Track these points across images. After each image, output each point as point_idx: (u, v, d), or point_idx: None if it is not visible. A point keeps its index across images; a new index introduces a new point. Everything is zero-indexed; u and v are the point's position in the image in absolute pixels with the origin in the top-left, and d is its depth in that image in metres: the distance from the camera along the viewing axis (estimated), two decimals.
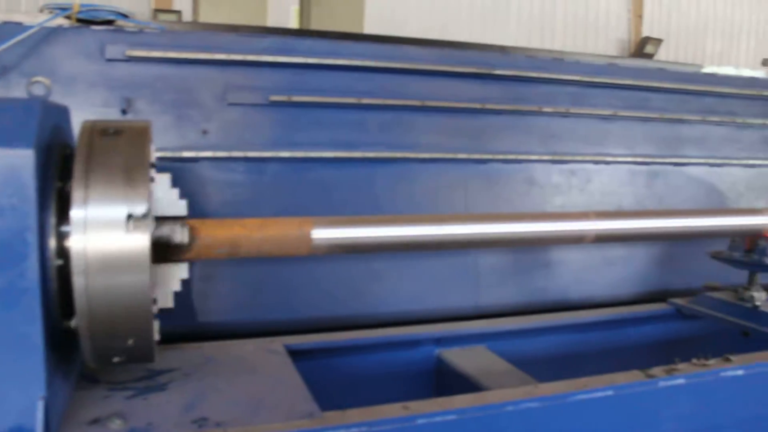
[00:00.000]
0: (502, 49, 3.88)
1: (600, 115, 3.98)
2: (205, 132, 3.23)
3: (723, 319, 3.29)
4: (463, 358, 3.05)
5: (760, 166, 4.52)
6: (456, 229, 2.48)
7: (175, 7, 9.20)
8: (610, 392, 2.40)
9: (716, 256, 3.38)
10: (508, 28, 12.83)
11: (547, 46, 12.90)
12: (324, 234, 2.32)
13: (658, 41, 13.86)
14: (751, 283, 3.24)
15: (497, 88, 3.74)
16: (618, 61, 4.15)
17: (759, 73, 4.78)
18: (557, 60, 3.95)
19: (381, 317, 3.46)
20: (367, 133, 3.49)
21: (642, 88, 4.13)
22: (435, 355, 3.16)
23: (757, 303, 3.13)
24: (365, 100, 3.43)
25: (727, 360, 2.67)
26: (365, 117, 3.48)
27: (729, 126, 4.42)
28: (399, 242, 2.43)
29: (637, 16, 14.32)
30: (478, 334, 3.25)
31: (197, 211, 3.19)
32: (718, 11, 15.00)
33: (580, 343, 3.60)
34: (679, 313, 3.61)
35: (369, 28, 6.32)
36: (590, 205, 3.91)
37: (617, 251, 4.04)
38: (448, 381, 3.03)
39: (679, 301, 3.61)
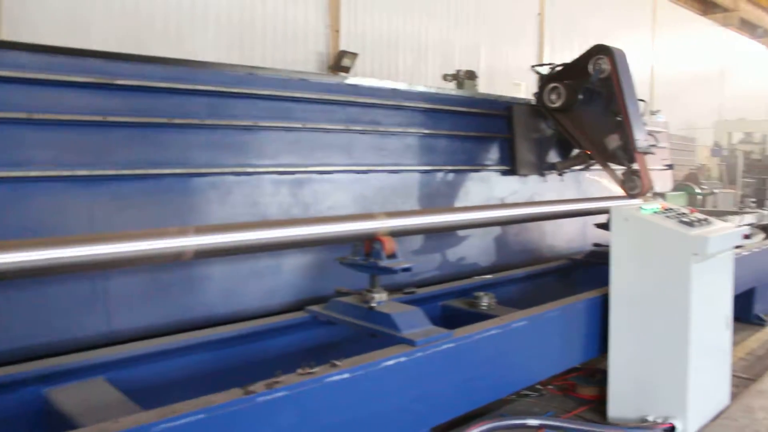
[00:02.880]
0: (131, 59, 3.64)
1: (240, 125, 3.92)
2: None
3: (351, 322, 3.37)
4: (72, 396, 2.76)
5: (403, 171, 4.80)
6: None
7: None
8: (202, 415, 2.29)
9: (343, 261, 3.46)
10: (206, 40, 12.57)
11: (247, 58, 12.88)
12: None
13: (354, 55, 14.50)
14: (372, 285, 3.36)
15: (122, 100, 3.50)
16: (259, 72, 4.13)
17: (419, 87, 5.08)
18: (191, 70, 3.82)
19: None
20: None
21: (285, 98, 4.15)
22: (42, 394, 2.83)
23: (373, 305, 3.24)
24: None
25: (333, 365, 2.70)
26: None
27: (373, 134, 4.63)
28: None
29: (335, 30, 14.85)
30: (94, 365, 2.97)
31: None
32: (407, 29, 16.10)
33: (224, 359, 3.48)
34: (316, 320, 3.65)
35: (16, 35, 5.64)
36: (231, 217, 3.82)
37: (266, 262, 4.00)
38: (57, 424, 2.72)
39: (314, 308, 3.65)
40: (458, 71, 12.20)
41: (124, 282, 3.47)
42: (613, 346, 4.21)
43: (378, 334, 3.24)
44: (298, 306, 4.04)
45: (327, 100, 4.36)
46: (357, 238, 3.31)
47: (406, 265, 3.23)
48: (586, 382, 4.77)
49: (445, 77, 12.25)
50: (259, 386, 2.48)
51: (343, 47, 14.73)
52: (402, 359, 2.92)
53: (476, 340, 3.28)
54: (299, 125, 4.20)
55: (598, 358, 4.46)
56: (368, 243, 3.30)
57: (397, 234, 3.39)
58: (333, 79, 4.52)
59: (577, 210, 5.08)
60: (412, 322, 3.15)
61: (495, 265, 5.51)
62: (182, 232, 2.61)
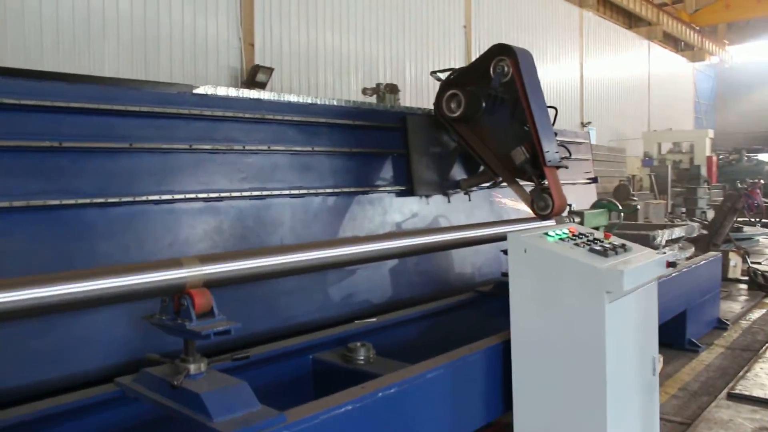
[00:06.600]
0: None
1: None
2: None
3: (157, 401, 2.51)
4: None
5: (269, 197, 3.99)
6: None
7: None
8: None
9: (151, 321, 2.60)
10: (105, 56, 11.60)
11: (153, 74, 12.00)
12: None
13: (270, 69, 13.74)
14: (187, 352, 2.52)
15: None
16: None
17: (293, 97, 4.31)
18: None
19: None
20: None
21: (104, 112, 3.33)
22: None
23: (175, 382, 2.40)
24: None
25: None
26: None
27: (227, 153, 3.83)
28: None
29: (249, 44, 14.10)
30: None
31: None
32: (327, 43, 15.44)
33: None
34: (126, 398, 2.78)
35: None
36: None
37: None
38: None
39: (124, 380, 2.74)
40: (378, 84, 11.56)
41: None
42: (518, 401, 3.49)
43: (180, 416, 2.40)
44: (122, 371, 3.18)
45: (163, 113, 3.55)
46: (161, 292, 2.48)
47: (222, 328, 2.39)
48: None
49: (365, 91, 11.61)
50: None
51: (258, 61, 13.97)
52: None
53: (321, 423, 2.46)
54: (125, 145, 3.38)
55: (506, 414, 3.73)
56: (177, 298, 2.48)
57: (218, 284, 2.59)
58: (172, 89, 3.71)
59: (477, 237, 4.31)
60: (230, 403, 2.32)
61: (391, 301, 4.71)
62: None
